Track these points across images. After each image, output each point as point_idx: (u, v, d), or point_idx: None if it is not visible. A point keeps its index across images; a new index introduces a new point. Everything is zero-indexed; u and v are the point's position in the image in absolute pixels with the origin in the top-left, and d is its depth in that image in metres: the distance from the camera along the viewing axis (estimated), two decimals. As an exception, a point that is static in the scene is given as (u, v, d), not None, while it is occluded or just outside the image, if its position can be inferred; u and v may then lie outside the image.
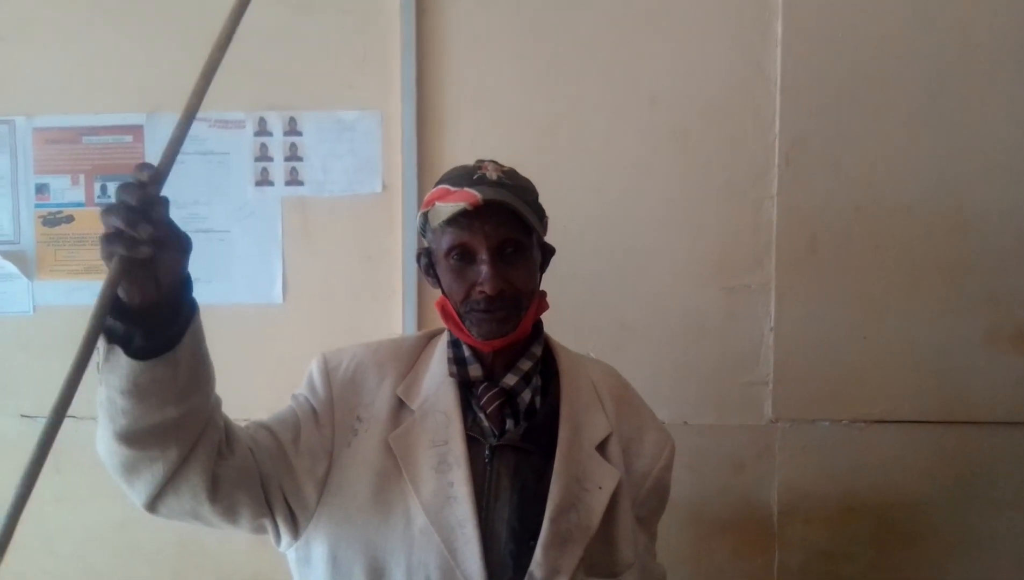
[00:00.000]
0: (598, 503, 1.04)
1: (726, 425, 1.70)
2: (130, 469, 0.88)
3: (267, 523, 1.03)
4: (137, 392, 0.82)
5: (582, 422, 1.09)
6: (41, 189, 1.79)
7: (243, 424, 1.06)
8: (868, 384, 1.69)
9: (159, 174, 0.77)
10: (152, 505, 0.91)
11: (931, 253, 1.67)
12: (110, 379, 0.82)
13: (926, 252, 1.67)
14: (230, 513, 0.97)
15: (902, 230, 1.67)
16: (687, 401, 1.69)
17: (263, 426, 1.06)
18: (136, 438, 0.85)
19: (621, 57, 1.69)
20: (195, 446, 0.89)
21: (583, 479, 1.05)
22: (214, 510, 0.94)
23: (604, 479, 1.06)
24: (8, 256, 1.79)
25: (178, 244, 0.80)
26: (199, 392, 0.87)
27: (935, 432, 1.68)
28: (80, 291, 1.78)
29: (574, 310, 1.64)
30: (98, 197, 1.78)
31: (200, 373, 0.87)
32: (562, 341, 1.20)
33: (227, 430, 0.97)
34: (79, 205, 1.79)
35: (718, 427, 1.70)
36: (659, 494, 1.16)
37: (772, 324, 1.69)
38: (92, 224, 1.78)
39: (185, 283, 0.84)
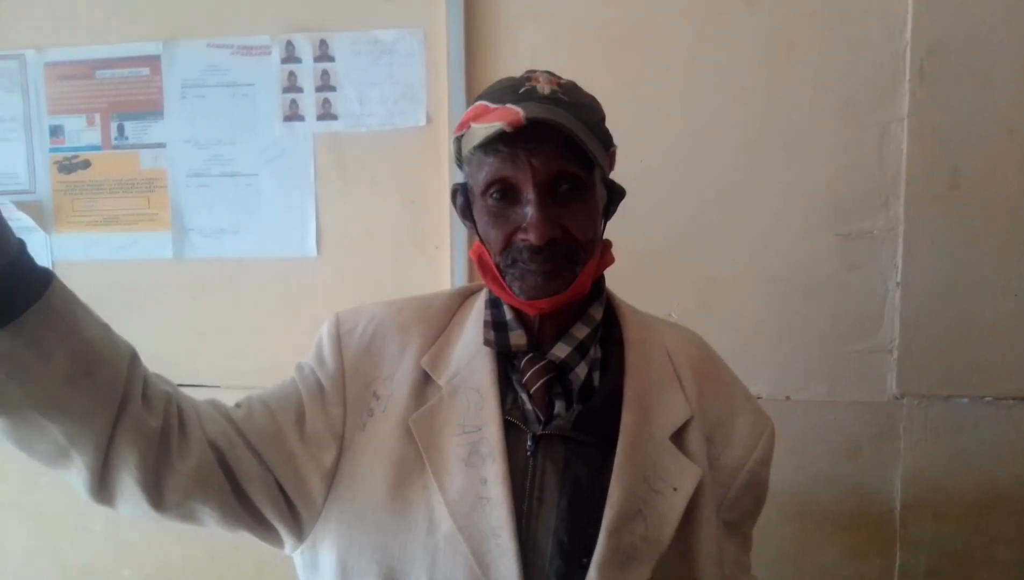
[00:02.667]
0: (672, 509, 0.87)
1: (839, 401, 1.49)
2: (49, 468, 0.77)
3: (247, 529, 0.89)
4: None
5: (653, 404, 0.92)
6: (55, 131, 1.66)
7: (240, 398, 0.93)
8: (1019, 352, 1.45)
9: None
10: (102, 503, 0.80)
11: (1104, 187, 1.42)
12: None
13: (1098, 186, 1.42)
14: (189, 520, 0.85)
15: (1069, 159, 1.42)
16: (791, 372, 1.49)
17: (263, 402, 0.92)
18: (21, 446, 0.74)
19: (712, -52, 1.47)
20: (108, 455, 0.76)
21: (652, 478, 0.88)
22: (166, 517, 0.82)
23: (680, 478, 0.89)
24: (23, 207, 1.66)
25: None
26: (77, 395, 0.72)
27: (1102, 411, 1.46)
28: (100, 245, 1.67)
29: (653, 262, 1.48)
30: (115, 139, 1.62)
31: (66, 372, 0.72)
32: (639, 301, 1.02)
33: (181, 426, 0.83)
34: (96, 148, 1.65)
35: (829, 404, 1.49)
36: (754, 493, 0.98)
37: (899, 278, 1.46)
38: (110, 169, 1.65)
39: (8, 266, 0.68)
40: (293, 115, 1.57)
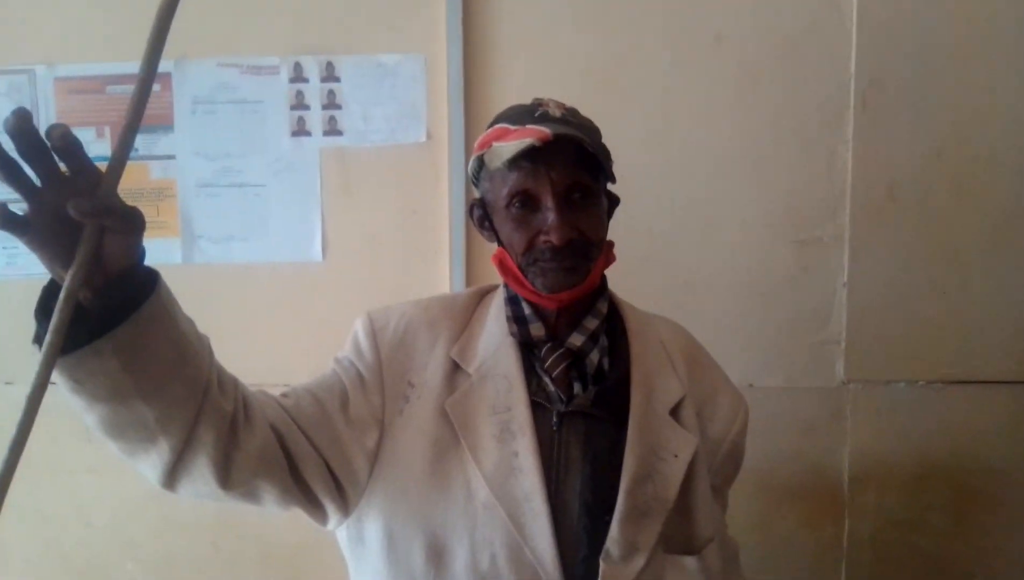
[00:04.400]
0: (674, 473, 0.97)
1: (795, 387, 1.62)
2: (128, 455, 0.81)
3: (300, 506, 0.96)
4: (79, 389, 0.72)
5: (654, 385, 1.01)
6: (65, 143, 1.69)
7: (284, 390, 0.99)
8: (947, 343, 1.61)
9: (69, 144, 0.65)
10: (167, 487, 0.84)
11: (1018, 201, 1.58)
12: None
13: (1013, 200, 1.58)
14: (250, 498, 0.91)
15: (987, 176, 1.58)
16: (754, 362, 1.61)
17: (309, 391, 0.99)
18: (114, 434, 0.77)
19: (685, -9, 1.59)
20: (191, 436, 0.80)
21: (658, 447, 0.98)
22: (230, 495, 0.87)
23: (680, 447, 0.99)
24: (34, 218, 1.69)
25: (131, 224, 0.69)
26: (175, 381, 0.76)
27: (1018, 393, 1.61)
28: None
29: (633, 266, 1.50)
30: (125, 151, 1.68)
31: (169, 361, 0.75)
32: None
33: (246, 411, 0.87)
34: (105, 159, 1.66)
35: (787, 390, 1.62)
36: (734, 461, 1.10)
37: (845, 279, 1.61)
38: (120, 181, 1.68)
39: (132, 268, 0.72)
40: (300, 130, 1.64)
